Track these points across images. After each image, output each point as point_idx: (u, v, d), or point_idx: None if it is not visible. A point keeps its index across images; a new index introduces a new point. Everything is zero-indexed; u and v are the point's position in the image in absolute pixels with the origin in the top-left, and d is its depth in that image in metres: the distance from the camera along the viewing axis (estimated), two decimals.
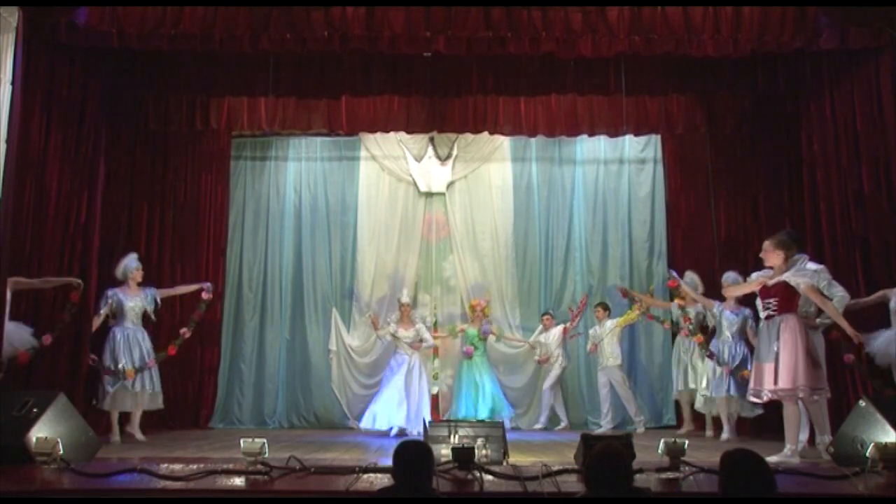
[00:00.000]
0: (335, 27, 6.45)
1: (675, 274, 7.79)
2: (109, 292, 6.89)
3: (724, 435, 7.16)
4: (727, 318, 7.20)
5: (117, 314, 6.87)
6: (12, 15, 5.81)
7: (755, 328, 7.01)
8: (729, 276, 7.16)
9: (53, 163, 6.66)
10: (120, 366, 6.67)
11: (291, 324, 9.35)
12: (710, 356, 7.16)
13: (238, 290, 9.30)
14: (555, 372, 8.78)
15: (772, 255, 5.52)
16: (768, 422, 7.22)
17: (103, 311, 6.86)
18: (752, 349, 7.09)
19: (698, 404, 7.45)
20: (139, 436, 6.71)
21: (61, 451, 4.44)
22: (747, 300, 6.83)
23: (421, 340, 7.99)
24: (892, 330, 5.90)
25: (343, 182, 9.64)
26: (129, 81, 7.53)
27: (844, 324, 5.62)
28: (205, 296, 7.53)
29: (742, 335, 7.18)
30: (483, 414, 7.92)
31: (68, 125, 6.86)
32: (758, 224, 8.03)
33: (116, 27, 6.36)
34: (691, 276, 7.76)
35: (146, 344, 6.92)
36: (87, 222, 7.07)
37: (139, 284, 7.03)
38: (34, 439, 4.47)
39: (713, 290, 7.49)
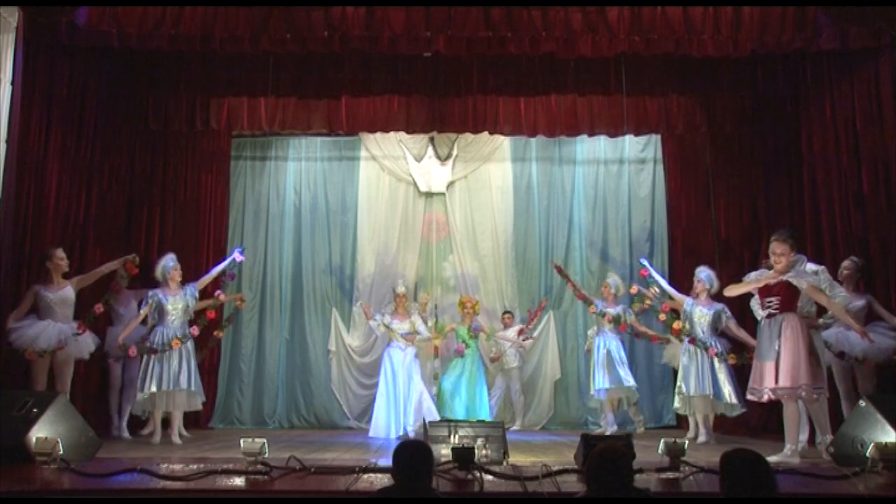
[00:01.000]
0: (335, 27, 6.46)
1: (646, 263, 7.78)
2: (150, 293, 6.86)
3: (702, 437, 6.94)
4: (699, 312, 7.06)
5: (159, 314, 6.82)
6: (12, 15, 5.83)
7: (736, 321, 7.02)
8: (703, 272, 7.11)
9: (53, 162, 6.66)
10: (164, 341, 6.65)
11: (291, 324, 9.34)
12: (692, 341, 7.05)
13: (238, 291, 9.25)
14: (514, 376, 8.75)
15: (789, 256, 5.42)
16: (767, 422, 7.23)
17: (143, 312, 6.83)
18: (730, 342, 7.08)
19: (676, 404, 7.26)
20: (176, 438, 6.66)
21: (61, 451, 4.43)
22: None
23: (415, 333, 7.69)
24: (844, 326, 5.98)
25: (343, 182, 9.63)
26: (129, 81, 7.55)
27: (850, 322, 5.63)
28: (238, 258, 7.55)
29: (714, 329, 7.05)
30: (464, 414, 7.84)
31: (68, 125, 6.87)
32: (758, 224, 8.03)
33: (116, 27, 6.36)
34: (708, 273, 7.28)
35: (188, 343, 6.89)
36: (85, 222, 7.09)
37: (180, 283, 6.95)
38: (34, 439, 4.46)
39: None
